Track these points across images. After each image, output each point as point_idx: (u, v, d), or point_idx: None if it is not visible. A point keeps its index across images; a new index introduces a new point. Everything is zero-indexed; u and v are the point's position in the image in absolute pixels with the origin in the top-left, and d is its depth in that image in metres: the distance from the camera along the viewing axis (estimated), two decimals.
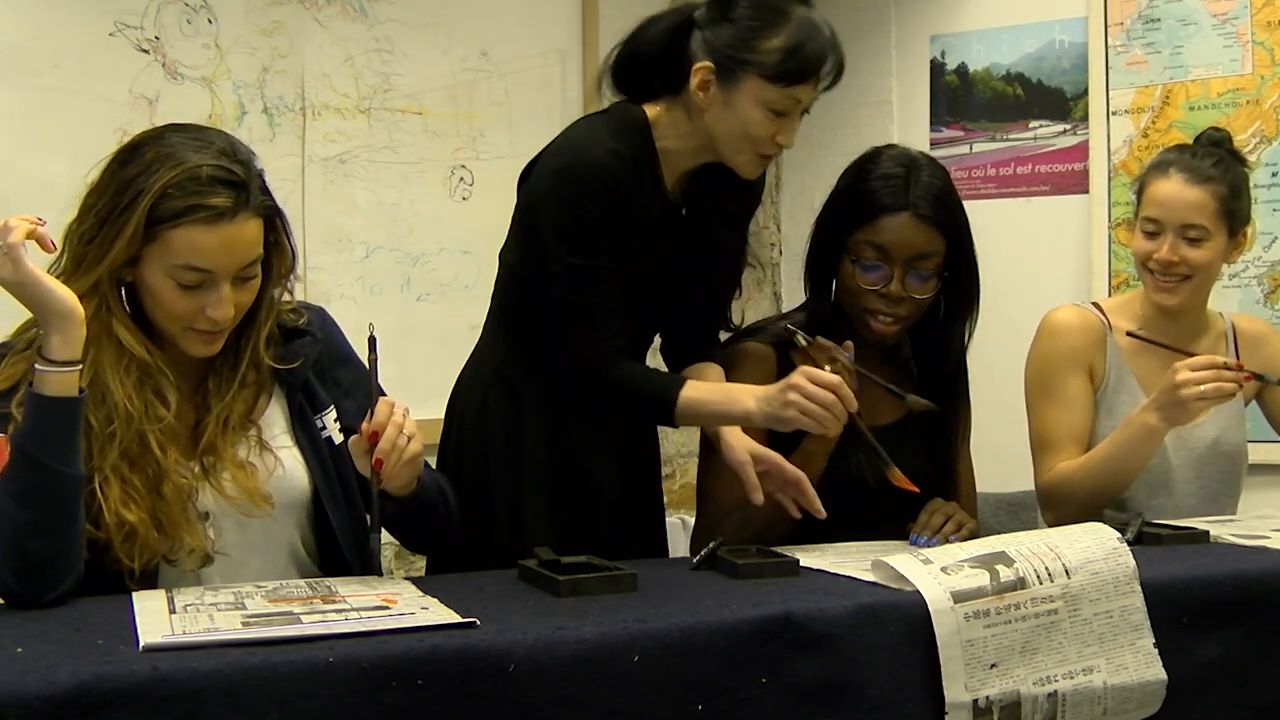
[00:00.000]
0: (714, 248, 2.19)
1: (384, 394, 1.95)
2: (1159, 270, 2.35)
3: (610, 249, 2.02)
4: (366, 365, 1.93)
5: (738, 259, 2.23)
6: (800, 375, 1.90)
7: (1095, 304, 2.49)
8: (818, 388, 1.88)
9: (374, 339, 1.80)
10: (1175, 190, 2.32)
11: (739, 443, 2.05)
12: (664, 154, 2.09)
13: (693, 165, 2.12)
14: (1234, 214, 2.34)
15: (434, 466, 2.22)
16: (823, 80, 2.02)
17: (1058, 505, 2.33)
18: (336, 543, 1.81)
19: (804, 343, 2.05)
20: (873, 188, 2.13)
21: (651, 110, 2.10)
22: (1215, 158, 2.34)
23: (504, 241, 2.22)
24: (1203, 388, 2.13)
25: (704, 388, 2.03)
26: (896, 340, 2.21)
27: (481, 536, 2.09)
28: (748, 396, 1.97)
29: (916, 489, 2.01)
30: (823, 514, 2.00)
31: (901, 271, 2.12)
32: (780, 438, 2.10)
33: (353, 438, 1.73)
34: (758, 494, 2.01)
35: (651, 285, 2.12)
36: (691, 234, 2.16)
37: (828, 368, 1.96)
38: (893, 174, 2.14)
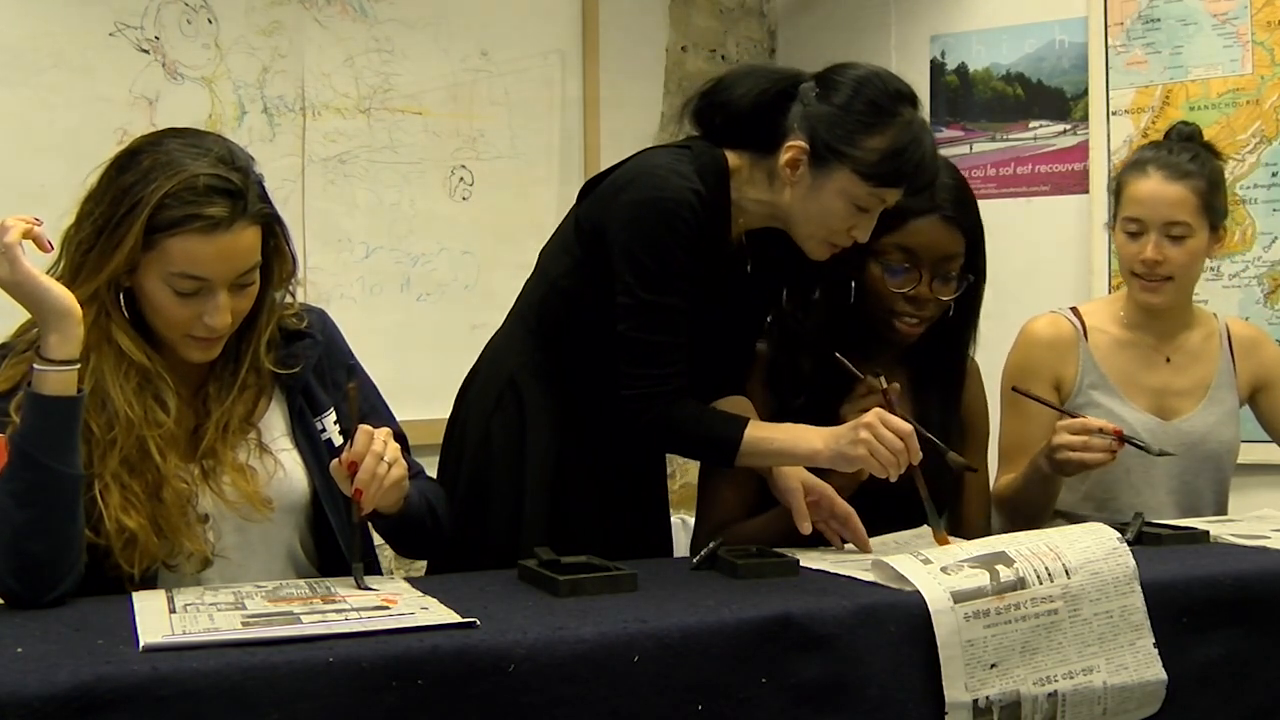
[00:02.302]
0: (766, 301, 2.18)
1: (382, 400, 1.96)
2: (1144, 271, 2.35)
3: (684, 288, 1.97)
4: (361, 374, 1.93)
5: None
6: (875, 417, 1.88)
7: (1074, 308, 2.50)
8: (890, 433, 1.86)
9: (352, 367, 1.79)
10: (1155, 188, 2.33)
11: (790, 469, 2.03)
12: (735, 204, 2.05)
13: (758, 225, 2.08)
14: (1213, 208, 2.35)
15: (438, 462, 2.22)
16: (915, 181, 1.99)
17: (998, 514, 2.37)
18: (336, 544, 1.81)
19: (882, 385, 2.03)
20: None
21: (733, 159, 2.03)
22: (1191, 153, 2.35)
23: (545, 247, 2.18)
24: (1072, 454, 2.13)
25: (768, 427, 1.99)
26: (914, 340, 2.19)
27: (480, 537, 2.09)
28: (814, 436, 1.93)
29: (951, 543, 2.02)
30: (870, 550, 1.97)
31: (929, 274, 2.11)
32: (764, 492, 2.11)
33: (334, 463, 1.73)
34: (806, 523, 1.98)
35: (699, 328, 2.05)
36: (746, 285, 2.12)
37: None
38: (920, 185, 2.08)
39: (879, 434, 1.86)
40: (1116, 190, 2.42)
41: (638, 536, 2.16)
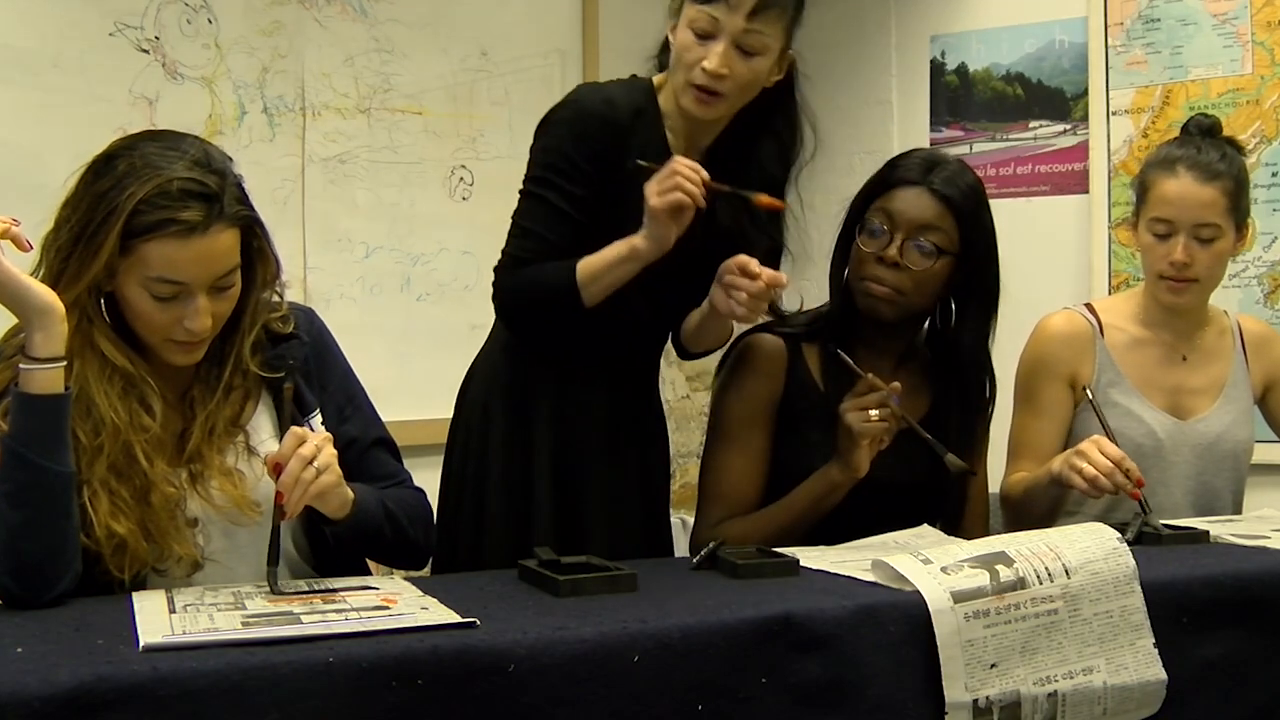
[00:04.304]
0: (738, 232, 2.15)
1: (368, 402, 1.94)
2: (1172, 273, 2.31)
3: (570, 190, 2.05)
4: (350, 369, 1.92)
5: (765, 244, 2.17)
6: (650, 186, 1.96)
7: (1089, 305, 2.48)
8: (669, 175, 1.94)
9: (293, 366, 1.80)
10: (1187, 189, 2.28)
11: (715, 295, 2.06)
12: (668, 116, 2.11)
13: (698, 132, 2.11)
14: (1240, 208, 2.32)
15: (444, 464, 2.21)
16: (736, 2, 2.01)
17: (1005, 510, 2.35)
18: (329, 544, 1.80)
19: (850, 364, 2.05)
20: (893, 167, 2.16)
21: (659, 77, 2.14)
22: (1220, 151, 2.31)
23: None
24: (1089, 470, 2.08)
25: (597, 254, 2.04)
26: (892, 320, 2.16)
27: (478, 539, 2.10)
28: (631, 237, 2.00)
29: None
30: (778, 279, 2.01)
31: (903, 238, 2.11)
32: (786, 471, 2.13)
33: (266, 471, 1.70)
34: (728, 301, 2.02)
35: (652, 267, 2.07)
36: (711, 214, 2.11)
37: (874, 413, 1.98)
38: (917, 161, 2.16)
39: (663, 188, 1.94)
40: (1141, 188, 2.37)
41: (637, 534, 2.16)
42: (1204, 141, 2.33)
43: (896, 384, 2.03)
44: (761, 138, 2.14)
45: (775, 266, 2.15)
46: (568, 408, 2.13)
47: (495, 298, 2.12)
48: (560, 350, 2.12)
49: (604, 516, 2.13)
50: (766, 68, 2.06)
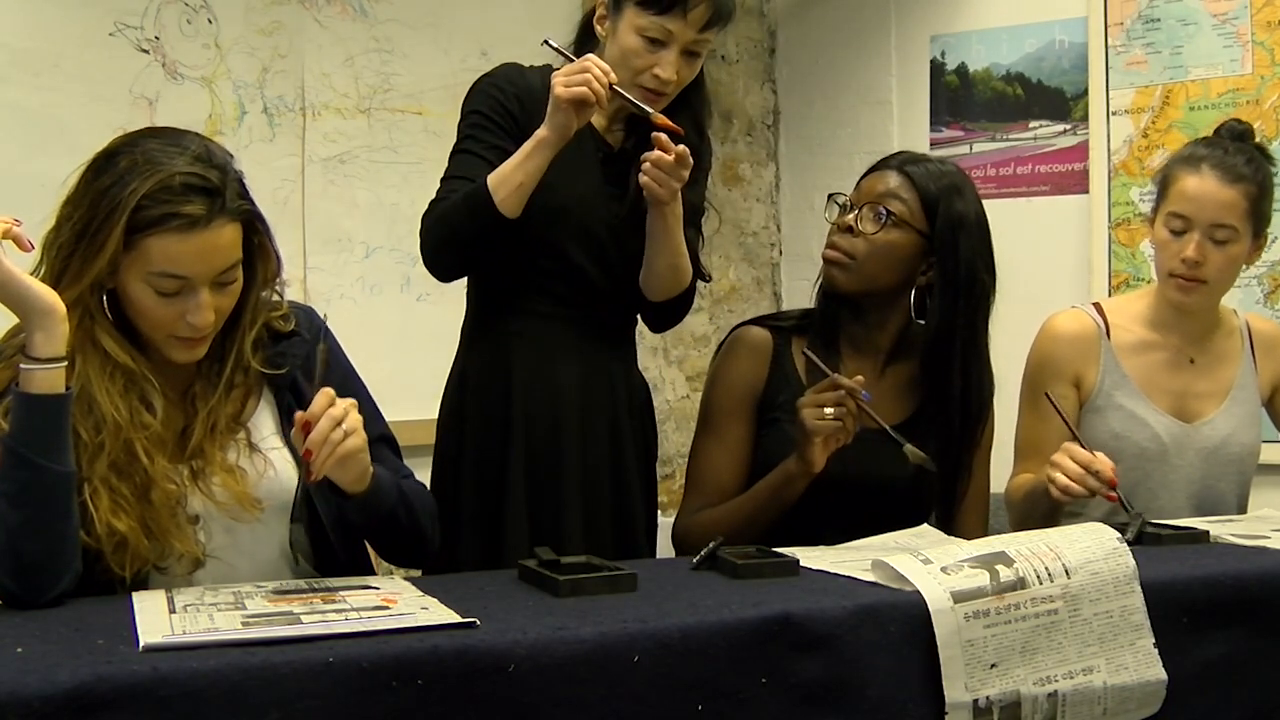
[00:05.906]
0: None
1: (370, 399, 1.94)
2: (1182, 271, 2.30)
3: (487, 140, 2.16)
4: (351, 367, 1.93)
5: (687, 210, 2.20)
6: (558, 76, 2.03)
7: (1097, 304, 2.47)
8: (579, 70, 2.02)
9: (326, 328, 1.81)
10: (1209, 188, 2.26)
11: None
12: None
13: (616, 108, 2.18)
14: (1260, 214, 2.30)
15: (433, 467, 2.22)
16: (693, 8, 2.08)
17: (1009, 510, 2.35)
18: (330, 542, 1.80)
19: (816, 361, 2.06)
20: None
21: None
22: (1247, 155, 2.30)
23: None
24: (1061, 478, 2.07)
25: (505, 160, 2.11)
26: (850, 291, 2.19)
27: (453, 541, 2.13)
28: (537, 132, 2.07)
29: None
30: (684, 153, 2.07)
31: (860, 209, 2.18)
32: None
33: (294, 430, 1.70)
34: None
35: (590, 225, 2.17)
36: (633, 182, 2.17)
37: (830, 411, 1.99)
38: (898, 155, 2.23)
39: (560, 84, 2.01)
40: (1163, 183, 2.35)
41: (613, 534, 2.19)
42: (1233, 144, 2.32)
43: (860, 377, 2.03)
44: (677, 108, 2.18)
45: (696, 226, 2.25)
46: (540, 392, 2.18)
47: (420, 245, 2.20)
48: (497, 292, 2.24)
49: (579, 502, 2.16)
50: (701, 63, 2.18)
